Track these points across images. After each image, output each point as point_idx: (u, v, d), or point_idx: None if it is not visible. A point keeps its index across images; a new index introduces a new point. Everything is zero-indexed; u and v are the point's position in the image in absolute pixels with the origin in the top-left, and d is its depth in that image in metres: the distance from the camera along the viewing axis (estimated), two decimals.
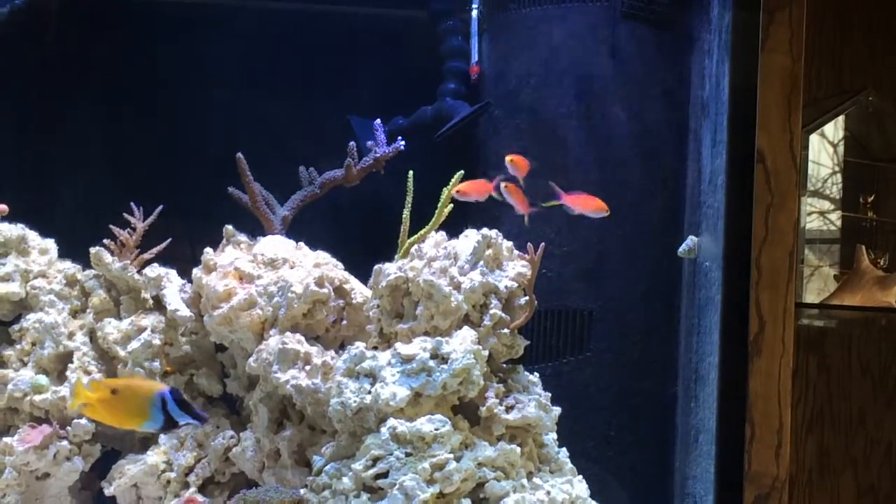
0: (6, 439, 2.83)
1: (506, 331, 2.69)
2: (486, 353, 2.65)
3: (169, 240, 3.01)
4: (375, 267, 2.81)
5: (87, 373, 2.89)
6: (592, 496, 2.68)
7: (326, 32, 3.35)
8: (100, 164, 3.37)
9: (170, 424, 2.25)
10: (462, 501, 2.54)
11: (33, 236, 3.05)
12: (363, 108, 3.17)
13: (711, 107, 2.65)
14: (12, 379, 2.88)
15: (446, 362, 2.58)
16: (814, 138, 2.84)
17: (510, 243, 2.77)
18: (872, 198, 2.92)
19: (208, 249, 2.97)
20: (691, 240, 2.76)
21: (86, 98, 3.39)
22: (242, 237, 3.02)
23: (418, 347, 2.62)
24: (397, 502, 2.48)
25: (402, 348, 2.64)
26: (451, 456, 2.53)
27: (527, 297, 2.71)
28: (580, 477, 2.70)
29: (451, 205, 2.81)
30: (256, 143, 3.12)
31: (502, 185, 2.78)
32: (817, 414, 2.95)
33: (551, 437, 2.71)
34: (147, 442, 2.96)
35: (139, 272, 2.98)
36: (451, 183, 2.77)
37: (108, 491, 2.87)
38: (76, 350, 2.93)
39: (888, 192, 2.93)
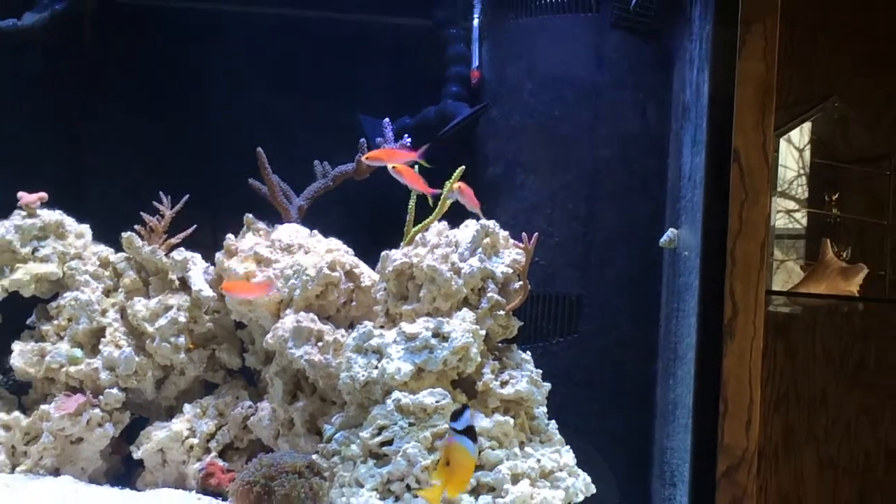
0: (44, 407, 2.86)
1: (501, 313, 2.72)
2: (483, 332, 2.68)
3: (194, 226, 3.03)
4: (383, 253, 2.85)
5: (118, 347, 2.91)
6: (578, 464, 2.71)
7: (340, 40, 3.35)
8: (132, 157, 3.38)
9: None
10: None
11: (70, 221, 3.07)
12: (373, 108, 3.17)
13: (692, 110, 2.65)
14: (50, 351, 2.91)
15: (447, 340, 2.61)
16: (784, 141, 2.83)
17: (506, 233, 2.80)
18: (837, 196, 2.91)
19: (230, 235, 2.99)
20: (672, 231, 2.77)
21: (119, 98, 3.39)
22: (261, 225, 3.04)
23: (421, 327, 2.65)
24: (400, 468, 2.50)
25: (407, 327, 2.66)
26: None
27: (521, 282, 2.74)
28: (568, 447, 2.74)
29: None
30: (275, 140, 3.12)
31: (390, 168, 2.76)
32: (783, 394, 2.94)
33: (542, 410, 2.75)
34: (173, 410, 2.99)
35: (167, 255, 3.00)
36: (452, 177, 2.78)
37: (137, 455, 2.90)
38: (108, 326, 2.95)
39: (851, 192, 2.93)
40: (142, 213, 3.00)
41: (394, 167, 2.73)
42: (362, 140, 3.01)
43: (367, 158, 2.83)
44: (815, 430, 2.93)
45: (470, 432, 2.02)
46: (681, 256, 2.68)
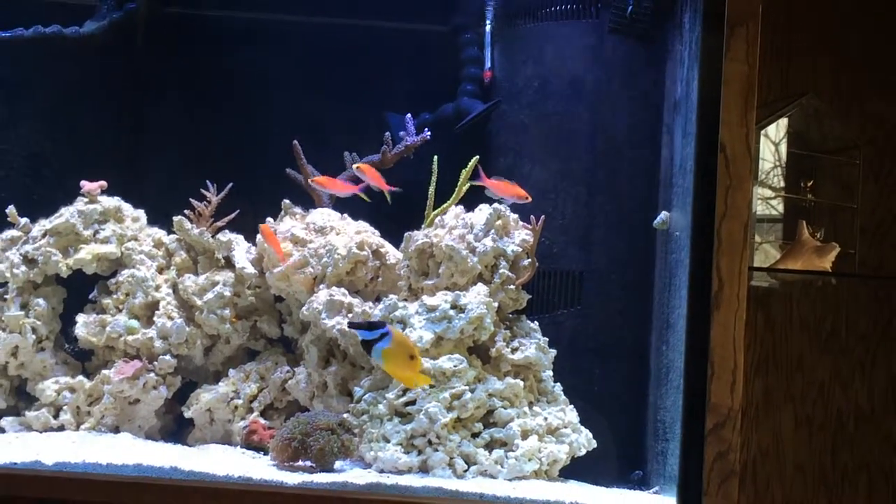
0: (105, 371, 2.94)
1: (512, 287, 2.79)
2: (495, 304, 2.75)
3: (237, 211, 3.08)
4: (406, 234, 2.92)
5: (171, 318, 2.98)
6: (581, 422, 2.77)
7: (367, 45, 3.35)
8: (181, 151, 3.38)
9: None
10: (476, 425, 2.64)
11: (127, 207, 3.13)
12: (397, 105, 3.17)
13: (683, 105, 2.65)
14: (110, 322, 2.98)
15: (463, 312, 2.68)
16: (764, 133, 2.85)
17: (516, 216, 2.86)
18: (811, 183, 2.93)
19: (269, 219, 3.06)
20: (664, 214, 2.76)
21: (168, 97, 3.42)
22: (297, 209, 3.10)
23: (441, 299, 2.72)
24: (422, 425, 2.59)
25: (428, 300, 2.74)
26: (467, 388, 2.63)
27: (529, 260, 2.81)
28: (571, 406, 2.79)
29: (468, 183, 2.86)
30: (310, 134, 3.13)
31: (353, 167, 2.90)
32: (763, 359, 2.96)
33: (548, 373, 2.80)
34: (219, 375, 3.05)
35: (213, 237, 3.06)
36: (468, 166, 2.81)
37: (187, 414, 2.97)
38: (162, 300, 3.02)
39: (824, 179, 2.95)
40: (191, 199, 3.06)
41: (357, 167, 2.85)
42: (387, 134, 3.06)
43: (313, 182, 2.97)
44: (792, 392, 2.98)
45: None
46: (672, 236, 2.70)
